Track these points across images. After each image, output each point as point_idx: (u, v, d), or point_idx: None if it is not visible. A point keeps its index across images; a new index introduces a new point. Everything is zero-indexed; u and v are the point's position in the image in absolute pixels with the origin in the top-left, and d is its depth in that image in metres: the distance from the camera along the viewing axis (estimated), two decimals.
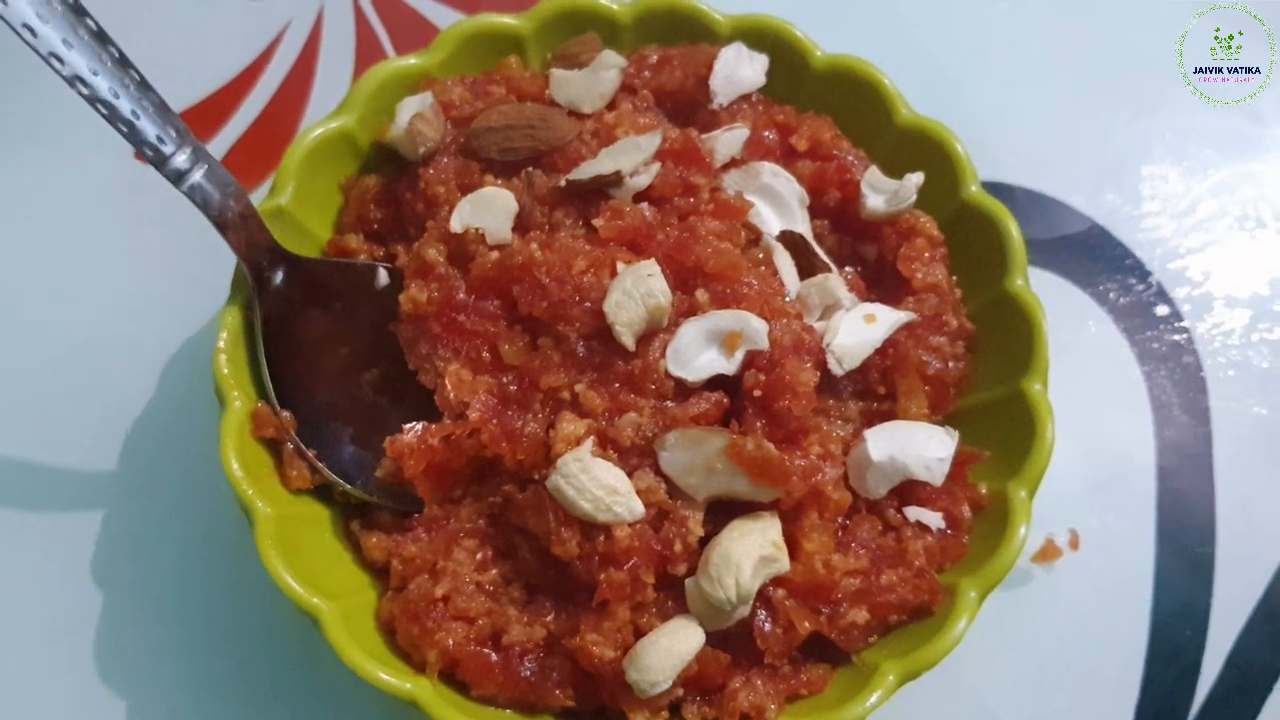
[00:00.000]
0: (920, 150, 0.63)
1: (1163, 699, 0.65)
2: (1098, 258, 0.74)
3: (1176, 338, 0.72)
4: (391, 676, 0.52)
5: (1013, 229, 0.61)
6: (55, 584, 0.62)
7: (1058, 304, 0.72)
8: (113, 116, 0.52)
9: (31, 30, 0.49)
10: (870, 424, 0.58)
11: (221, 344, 0.57)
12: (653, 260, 0.55)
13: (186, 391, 0.65)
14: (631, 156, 0.57)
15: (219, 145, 0.73)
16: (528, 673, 0.53)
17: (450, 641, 0.53)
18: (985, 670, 0.64)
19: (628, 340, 0.54)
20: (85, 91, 0.51)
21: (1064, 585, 0.66)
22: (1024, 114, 0.77)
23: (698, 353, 0.54)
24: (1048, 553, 0.66)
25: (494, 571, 0.55)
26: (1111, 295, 0.73)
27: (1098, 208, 0.75)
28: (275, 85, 0.75)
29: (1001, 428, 0.59)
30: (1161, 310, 0.73)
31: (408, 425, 0.56)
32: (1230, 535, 0.68)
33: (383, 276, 0.60)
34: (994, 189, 0.73)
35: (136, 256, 0.69)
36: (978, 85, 0.78)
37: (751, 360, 0.54)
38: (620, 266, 0.55)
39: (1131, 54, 0.80)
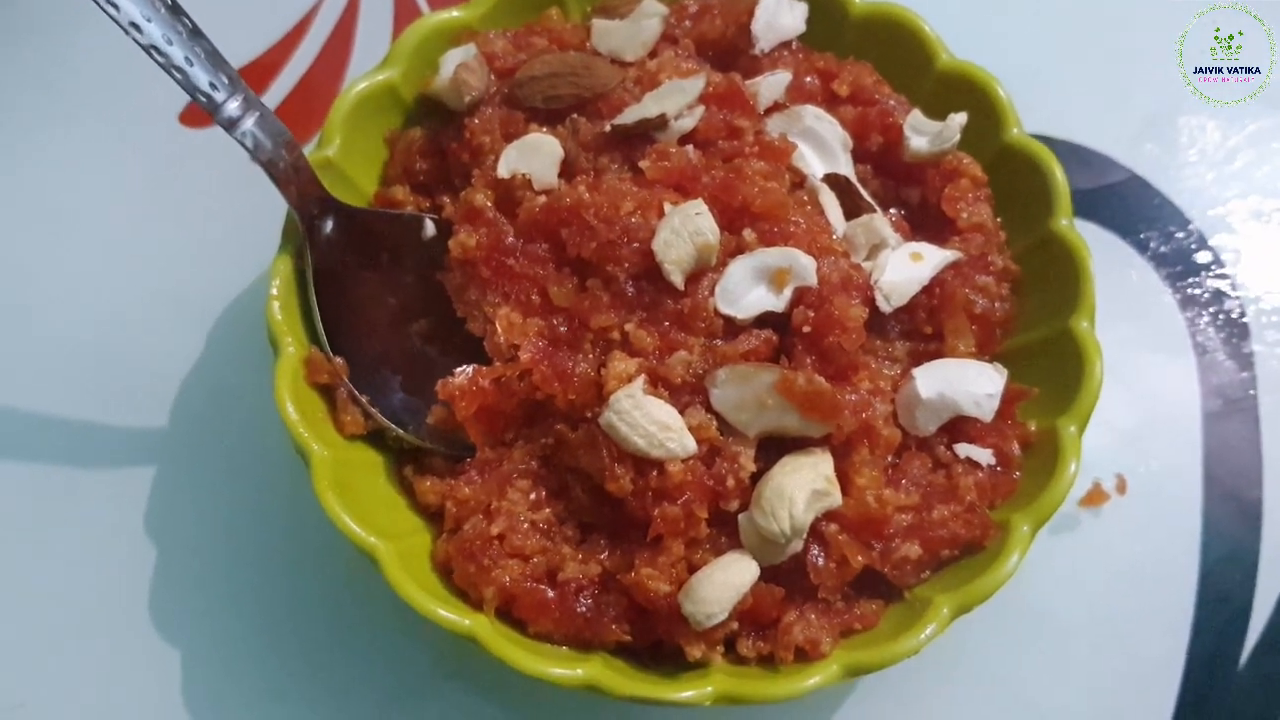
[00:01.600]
0: (962, 95, 0.63)
1: (1214, 642, 0.65)
2: (1138, 207, 0.74)
3: (1218, 284, 0.72)
4: (450, 613, 0.52)
5: (1056, 170, 0.61)
6: (114, 537, 0.63)
7: (1099, 254, 0.70)
8: (167, 64, 0.53)
9: None
10: (918, 363, 0.58)
11: (274, 291, 0.57)
12: (700, 200, 0.55)
13: (238, 344, 0.66)
14: (675, 99, 0.58)
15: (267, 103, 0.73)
16: (583, 609, 0.54)
17: (506, 579, 0.53)
18: (1035, 614, 0.64)
19: (677, 279, 0.54)
20: (140, 39, 0.52)
21: (1112, 530, 0.66)
22: (1061, 67, 0.77)
23: (746, 290, 0.54)
24: (1094, 497, 0.66)
25: (548, 511, 0.55)
26: (1152, 244, 0.73)
27: (1136, 158, 0.75)
28: (319, 45, 0.76)
29: (1049, 366, 0.59)
30: (1202, 257, 0.73)
31: (458, 369, 0.57)
32: (1277, 479, 0.68)
33: (429, 227, 0.61)
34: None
35: (184, 218, 0.70)
36: (1015, 40, 0.78)
37: (800, 297, 0.54)
38: (667, 207, 0.55)
39: (1164, 9, 0.80)
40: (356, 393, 0.58)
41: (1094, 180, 0.74)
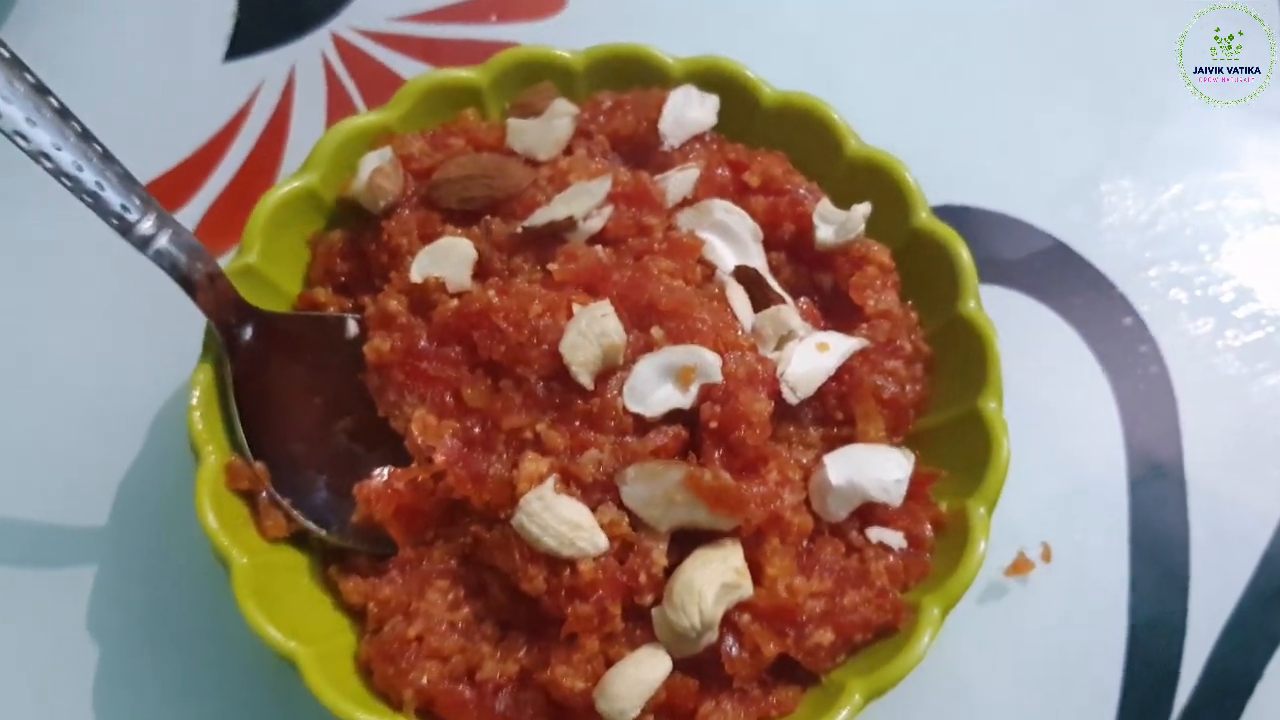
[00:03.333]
0: (871, 180, 0.65)
1: (1141, 708, 0.65)
2: (1061, 274, 0.75)
3: (1143, 348, 0.73)
4: (370, 716, 0.53)
5: (963, 253, 0.62)
6: (43, 636, 0.64)
7: (1024, 321, 0.74)
8: (77, 189, 0.54)
9: None
10: (831, 448, 0.59)
11: (194, 401, 0.58)
12: (606, 301, 0.56)
13: (169, 450, 0.67)
14: (583, 201, 0.59)
15: (198, 206, 0.75)
16: (502, 707, 0.54)
17: (425, 680, 0.54)
18: (964, 684, 0.65)
19: (585, 379, 0.55)
20: (50, 166, 0.53)
21: (1039, 598, 0.67)
22: (983, 137, 0.79)
23: (654, 388, 0.56)
24: (1020, 566, 0.67)
25: (466, 610, 0.56)
26: (1077, 310, 0.74)
27: (1059, 225, 0.76)
28: (251, 145, 0.77)
29: (960, 446, 0.60)
30: (1127, 321, 0.74)
31: (376, 471, 0.58)
32: (1203, 543, 0.68)
33: (352, 327, 0.62)
34: (956, 212, 0.76)
35: (119, 323, 0.71)
36: (937, 113, 0.79)
37: (707, 393, 0.55)
38: (576, 308, 0.56)
39: (1088, 71, 0.81)
40: (278, 496, 0.59)
41: (1017, 249, 0.75)
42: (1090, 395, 0.72)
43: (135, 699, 0.63)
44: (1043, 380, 0.72)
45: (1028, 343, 0.73)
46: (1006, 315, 0.72)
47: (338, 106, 0.78)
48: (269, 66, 0.79)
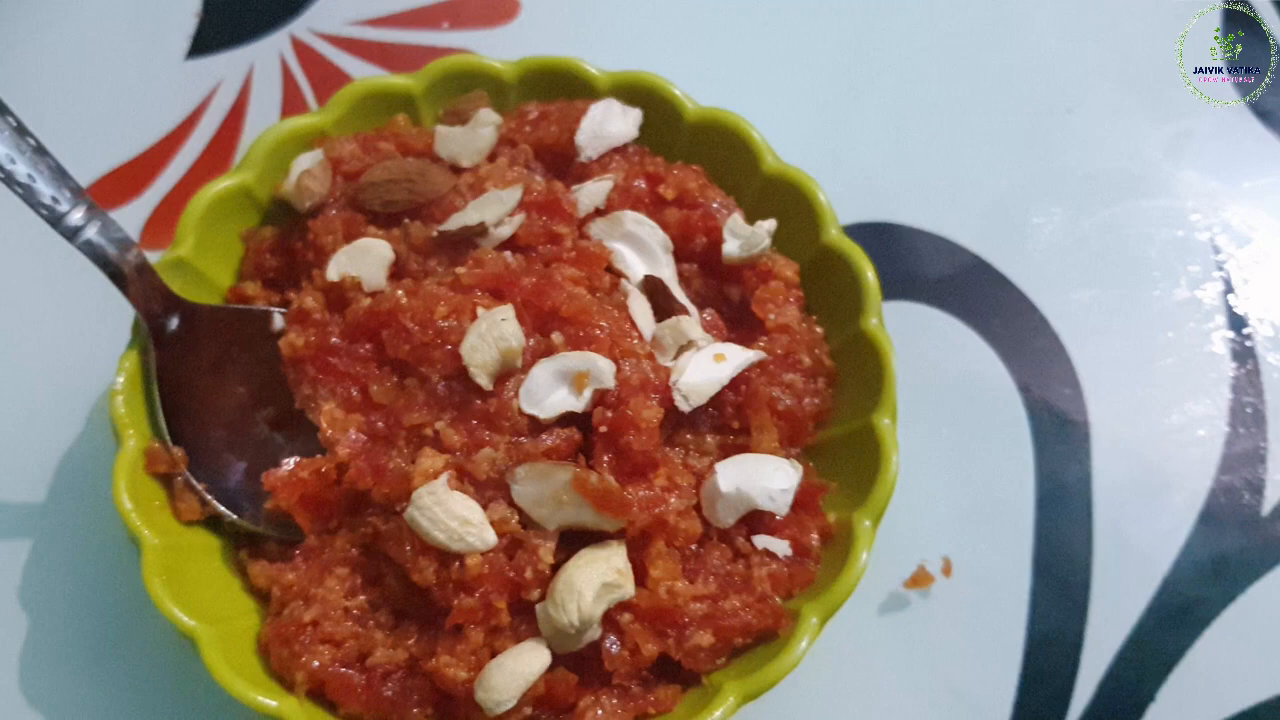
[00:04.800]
0: (785, 196, 0.66)
1: None
2: (983, 292, 0.76)
3: (1058, 369, 0.74)
4: (262, 695, 0.56)
5: (867, 270, 0.64)
6: None
7: (942, 338, 0.75)
8: (9, 180, 0.57)
9: None
10: (726, 456, 0.61)
11: (118, 387, 0.61)
12: (508, 306, 0.58)
13: (103, 435, 0.69)
14: (495, 208, 0.61)
15: (151, 199, 0.78)
16: (390, 692, 0.57)
17: (316, 663, 0.57)
18: (861, 692, 0.67)
19: (483, 380, 0.57)
20: None
21: (939, 611, 0.68)
22: (912, 156, 0.80)
23: (549, 392, 0.58)
24: (919, 579, 0.68)
25: (362, 598, 0.59)
26: (996, 330, 0.75)
27: (984, 245, 0.77)
28: (205, 142, 0.79)
29: (853, 460, 0.62)
30: (1045, 344, 0.75)
31: (285, 460, 0.60)
32: (1105, 566, 0.69)
33: (278, 321, 0.65)
34: (882, 228, 0.77)
35: (61, 308, 0.74)
36: (868, 131, 0.81)
37: (600, 398, 0.58)
38: (480, 311, 0.59)
39: (1019, 94, 0.82)
40: (194, 481, 0.61)
41: (941, 267, 0.77)
42: (1003, 414, 0.73)
43: (52, 667, 0.66)
44: (957, 396, 0.73)
45: (945, 359, 0.74)
46: (925, 331, 0.74)
47: (292, 107, 0.80)
48: (228, 65, 0.82)
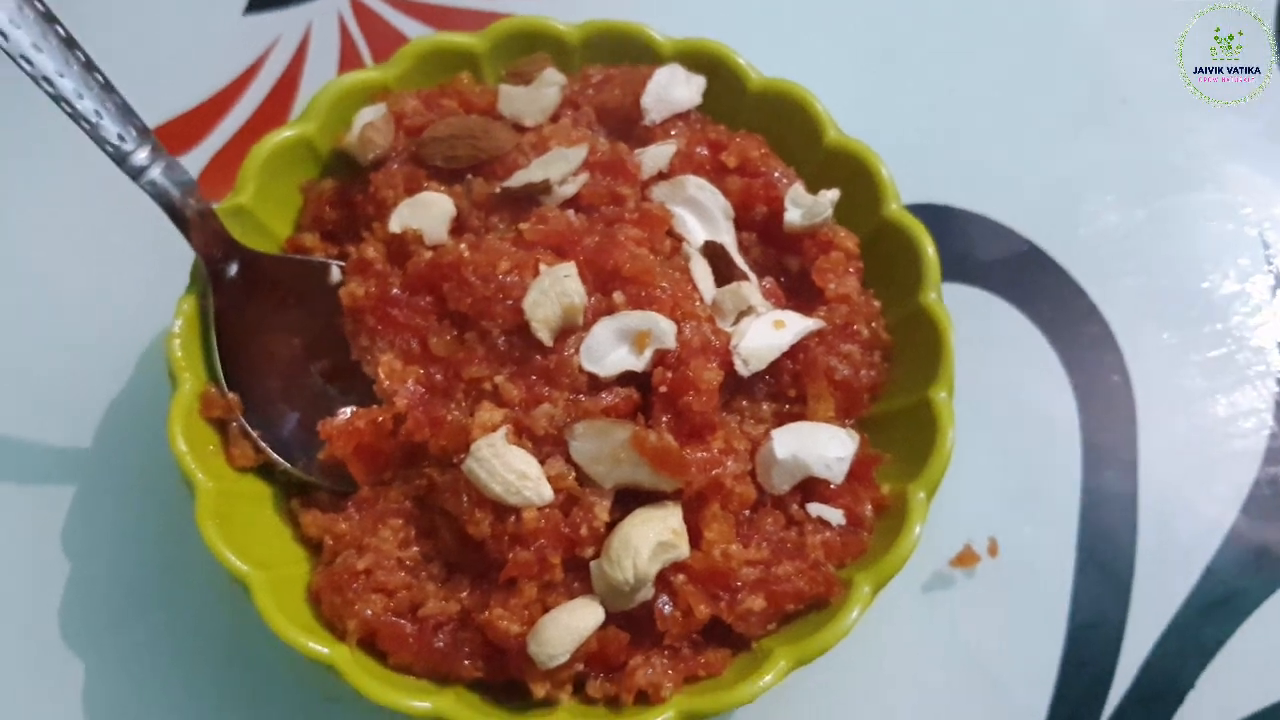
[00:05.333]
0: (847, 169, 0.66)
1: (1075, 705, 0.67)
2: (1034, 278, 0.76)
3: (1108, 356, 0.74)
4: (313, 642, 0.56)
5: (928, 245, 0.64)
6: (15, 548, 0.67)
7: (993, 321, 0.75)
8: (76, 115, 0.57)
9: (4, 35, 0.55)
10: (781, 424, 0.61)
11: (176, 329, 0.61)
12: (571, 263, 0.58)
13: (154, 380, 0.69)
14: (560, 166, 0.61)
15: (207, 150, 0.78)
16: (441, 644, 0.57)
17: (369, 612, 0.57)
18: (904, 668, 0.67)
19: (544, 336, 0.57)
20: (51, 91, 0.56)
21: (983, 591, 0.69)
22: (967, 140, 0.80)
23: (609, 350, 0.58)
24: (965, 558, 0.68)
25: (415, 549, 0.59)
26: (1047, 315, 0.75)
27: (1037, 230, 0.77)
28: (262, 96, 0.80)
29: (909, 433, 0.62)
30: (1094, 329, 0.75)
31: (341, 410, 0.60)
32: (1148, 554, 0.70)
33: (335, 273, 0.65)
34: (936, 210, 0.77)
35: (117, 256, 0.74)
36: (927, 112, 0.81)
37: (660, 358, 0.58)
38: (543, 268, 0.58)
39: (1074, 82, 0.82)
40: (248, 427, 0.61)
41: (994, 251, 0.77)
42: (1052, 398, 0.73)
43: (98, 612, 0.66)
44: (1006, 380, 0.73)
45: (995, 342, 0.74)
46: (976, 314, 0.74)
47: (349, 65, 0.80)
48: (287, 22, 0.82)
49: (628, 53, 0.69)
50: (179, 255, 0.64)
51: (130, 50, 0.79)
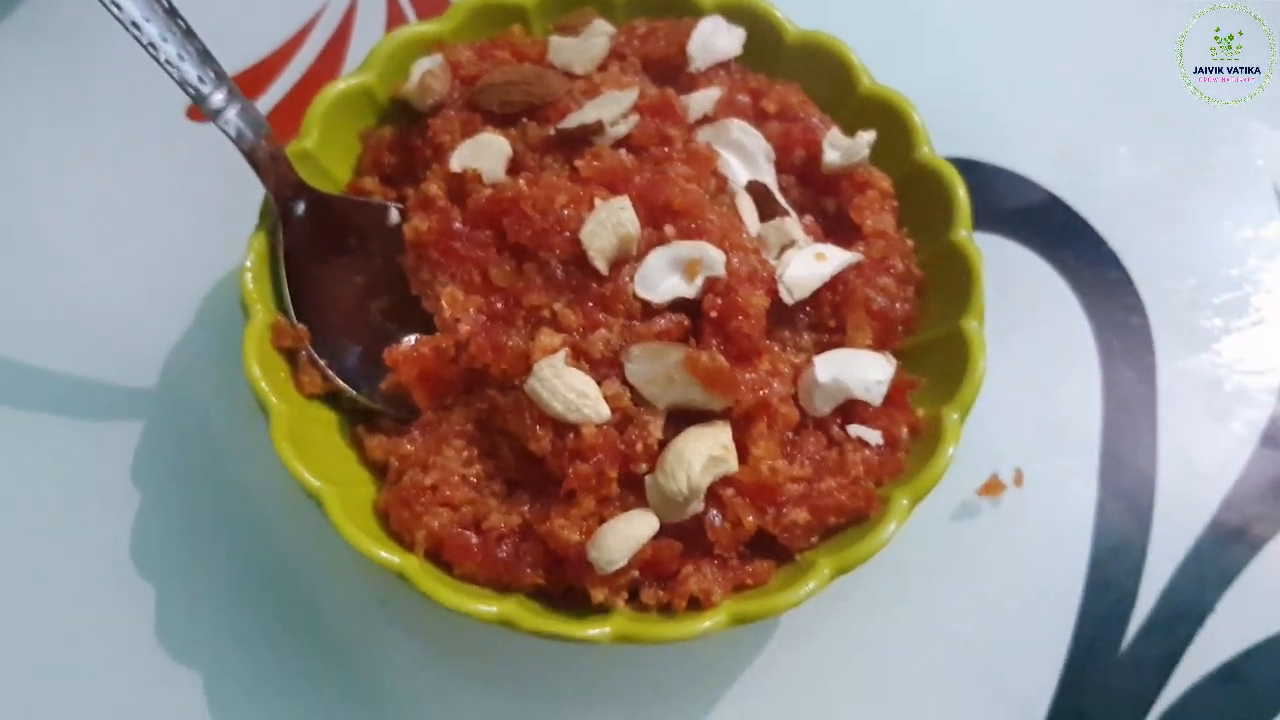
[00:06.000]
0: (881, 116, 0.70)
1: (1098, 626, 0.70)
2: (1055, 227, 0.80)
3: (1127, 299, 0.78)
4: (385, 552, 0.59)
5: (959, 187, 0.67)
6: (89, 483, 0.70)
7: (1018, 270, 0.79)
8: (161, 60, 0.60)
9: None
10: (821, 352, 0.64)
11: (248, 264, 0.64)
12: (625, 197, 0.62)
13: (222, 317, 0.73)
14: (611, 108, 0.65)
15: (263, 105, 0.81)
16: (504, 554, 0.60)
17: (436, 524, 0.60)
18: (935, 593, 0.70)
19: (601, 265, 0.61)
20: (138, 35, 0.60)
21: (1009, 519, 0.72)
22: (989, 95, 0.84)
23: (662, 278, 0.61)
24: (992, 487, 0.72)
25: (478, 467, 0.62)
26: (1068, 262, 0.79)
27: (1058, 183, 0.81)
28: (315, 53, 0.83)
29: (942, 360, 0.65)
30: (1113, 274, 0.78)
31: (405, 338, 0.64)
32: (1168, 483, 0.73)
33: (394, 215, 0.68)
34: (961, 163, 0.79)
35: (183, 203, 0.78)
36: (952, 69, 0.84)
37: (710, 286, 0.61)
38: (597, 202, 0.62)
39: (1092, 40, 0.86)
40: (316, 356, 0.65)
41: (1016, 201, 0.80)
42: (1073, 339, 0.77)
43: (168, 538, 0.69)
44: (1030, 322, 0.77)
45: (1020, 290, 0.78)
46: (1001, 261, 0.77)
47: (395, 24, 0.84)
48: None
49: (670, 7, 0.72)
50: (233, 201, 0.67)
51: (187, 9, 0.83)
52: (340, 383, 0.65)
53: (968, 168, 0.80)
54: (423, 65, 0.69)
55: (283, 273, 0.65)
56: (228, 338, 0.69)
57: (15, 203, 0.78)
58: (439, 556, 0.61)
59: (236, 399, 0.69)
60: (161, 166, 0.79)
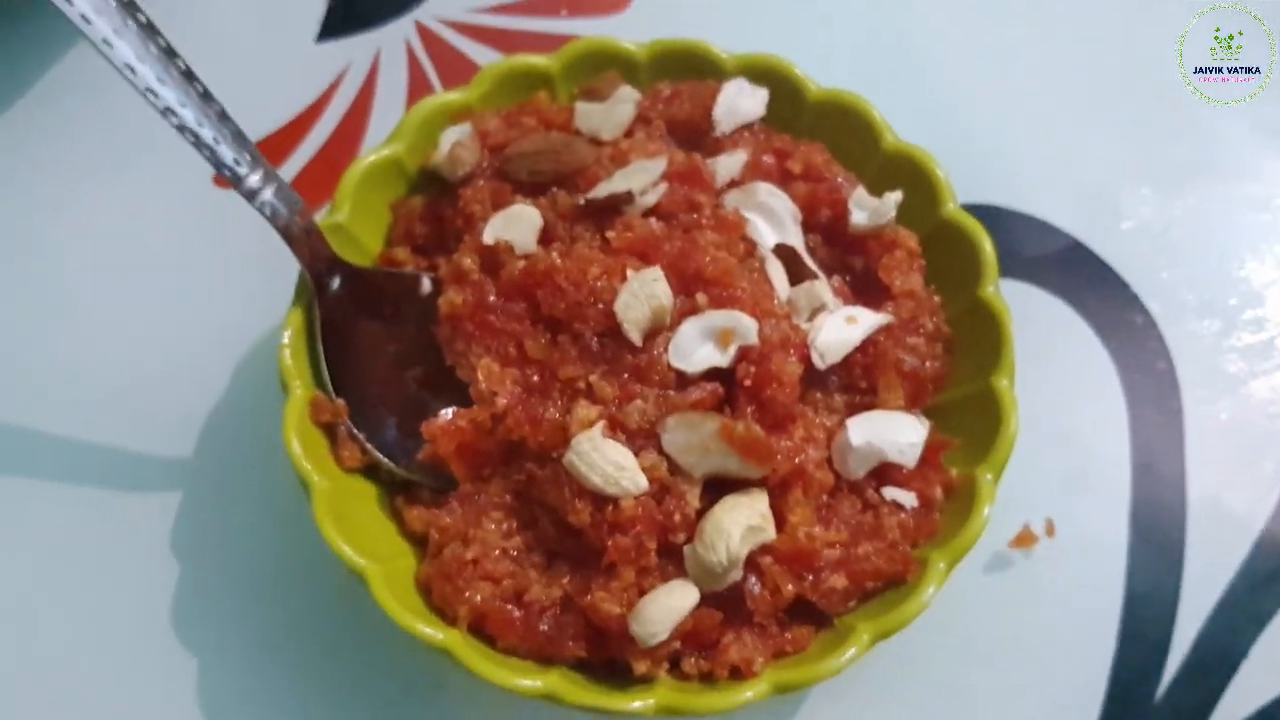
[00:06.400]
0: (905, 173, 0.70)
1: (1133, 676, 0.70)
2: (1079, 272, 0.80)
3: (1151, 344, 0.78)
4: (428, 628, 0.60)
5: (985, 242, 0.68)
6: (136, 550, 0.71)
7: (1042, 315, 0.79)
8: (198, 143, 0.61)
9: (132, 69, 0.59)
10: (854, 414, 0.65)
11: (286, 340, 0.65)
12: (657, 267, 0.62)
13: (256, 388, 0.73)
14: (641, 177, 0.65)
15: (286, 172, 0.82)
16: (545, 627, 0.61)
17: (478, 598, 0.61)
18: (969, 647, 0.70)
19: (635, 336, 0.61)
20: (175, 121, 0.60)
21: (1042, 570, 0.72)
22: (1014, 142, 0.84)
23: (696, 347, 0.62)
24: (1024, 539, 0.72)
25: (518, 539, 0.63)
26: (1092, 307, 0.79)
27: (1079, 227, 0.82)
28: (337, 120, 0.84)
29: (973, 419, 0.66)
30: (1138, 319, 0.79)
31: (444, 411, 0.65)
32: (1200, 528, 0.73)
33: (426, 284, 0.69)
34: (983, 210, 0.81)
35: (214, 271, 0.79)
36: (971, 117, 0.85)
37: (743, 354, 0.61)
38: (630, 273, 0.63)
39: (1109, 80, 0.86)
40: (355, 430, 0.65)
41: (1039, 248, 0.81)
42: (1100, 385, 0.77)
43: (205, 612, 0.70)
44: (1057, 369, 0.77)
45: (1044, 335, 0.78)
46: (1025, 309, 0.78)
47: (419, 90, 0.85)
48: (357, 49, 0.87)
49: (692, 69, 0.73)
50: (269, 271, 0.68)
51: (206, 81, 0.83)
52: (379, 456, 0.65)
53: (987, 214, 0.82)
54: (451, 135, 0.70)
55: (320, 348, 0.66)
56: (265, 408, 0.70)
57: (49, 269, 0.79)
58: (482, 630, 0.61)
59: (273, 471, 0.69)
60: (196, 231, 0.80)
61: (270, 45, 0.86)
